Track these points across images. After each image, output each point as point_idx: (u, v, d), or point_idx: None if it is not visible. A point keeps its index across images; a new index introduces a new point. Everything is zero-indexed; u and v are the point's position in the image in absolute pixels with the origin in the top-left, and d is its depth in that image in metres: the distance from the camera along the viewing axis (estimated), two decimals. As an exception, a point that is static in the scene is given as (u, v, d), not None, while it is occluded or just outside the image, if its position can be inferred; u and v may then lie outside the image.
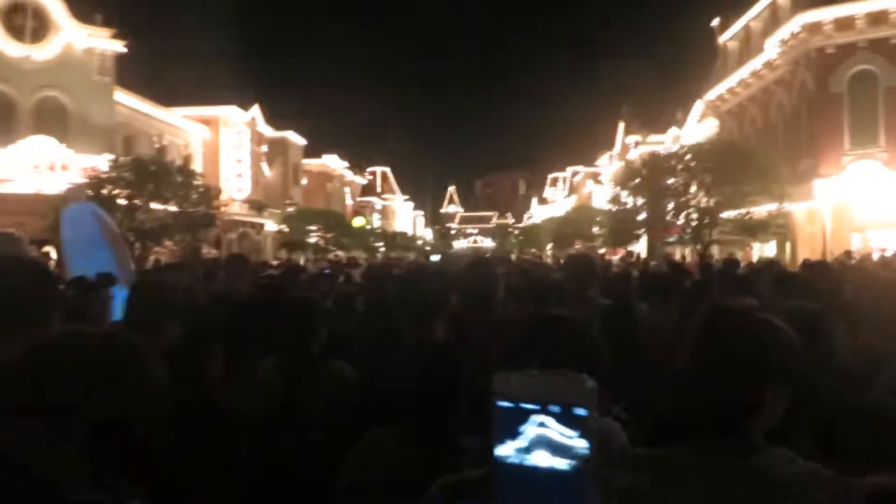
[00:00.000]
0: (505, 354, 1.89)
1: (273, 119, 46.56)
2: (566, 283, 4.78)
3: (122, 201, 19.88)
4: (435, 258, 17.19)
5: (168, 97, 34.54)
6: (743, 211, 20.32)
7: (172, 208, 20.70)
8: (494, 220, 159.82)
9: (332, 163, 63.43)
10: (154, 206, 20.30)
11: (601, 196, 48.59)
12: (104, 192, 19.63)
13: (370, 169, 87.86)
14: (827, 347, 2.35)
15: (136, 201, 20.20)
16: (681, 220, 21.33)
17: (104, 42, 26.98)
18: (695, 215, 20.20)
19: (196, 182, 21.72)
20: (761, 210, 20.79)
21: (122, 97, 29.46)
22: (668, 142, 38.63)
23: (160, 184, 20.03)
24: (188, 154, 36.37)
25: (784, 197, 19.51)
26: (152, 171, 20.40)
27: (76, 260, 4.38)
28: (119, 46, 27.36)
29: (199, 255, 20.19)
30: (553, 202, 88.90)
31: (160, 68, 41.58)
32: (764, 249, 25.65)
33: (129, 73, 29.77)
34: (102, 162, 21.23)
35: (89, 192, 19.28)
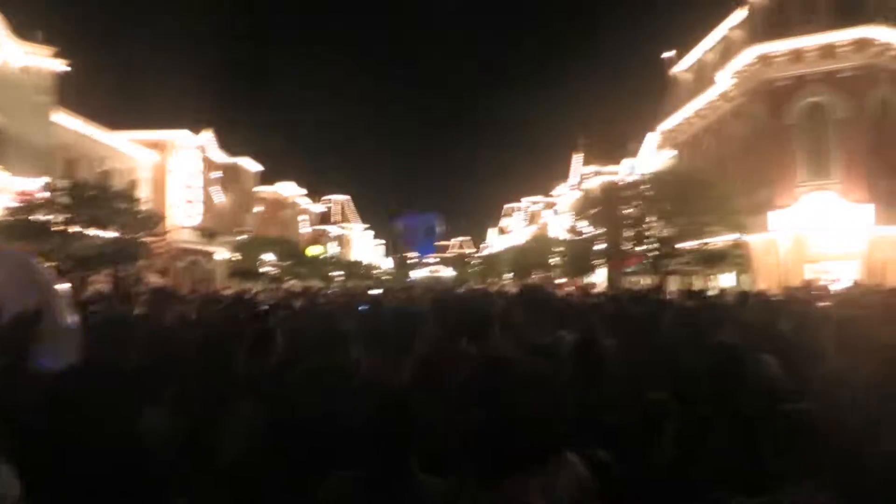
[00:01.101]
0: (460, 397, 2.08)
1: (228, 145, 45.57)
2: (525, 314, 4.73)
3: (57, 227, 18.72)
4: (375, 292, 16.27)
5: (117, 121, 33.36)
6: (701, 241, 20.21)
7: (112, 234, 19.56)
8: (455, 250, 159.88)
9: (288, 190, 62.41)
10: (92, 232, 19.14)
11: (557, 226, 48.67)
12: (38, 217, 18.47)
13: (328, 197, 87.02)
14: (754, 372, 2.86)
15: (73, 228, 19.04)
16: (640, 249, 21.12)
17: (43, 60, 25.81)
18: (653, 245, 19.97)
19: (137, 208, 20.60)
20: (719, 241, 20.70)
21: (64, 119, 28.21)
22: (622, 172, 38.84)
23: (98, 209, 18.90)
24: (133, 179, 35.05)
25: (741, 228, 19.42)
26: (89, 196, 19.27)
27: (8, 306, 4.05)
28: (60, 66, 26.22)
29: (124, 285, 19.07)
30: (510, 232, 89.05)
31: (109, 91, 40.43)
32: (719, 280, 25.61)
33: (75, 95, 28.62)
34: (35, 185, 20.02)
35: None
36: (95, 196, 19.43)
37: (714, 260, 19.73)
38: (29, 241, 18.15)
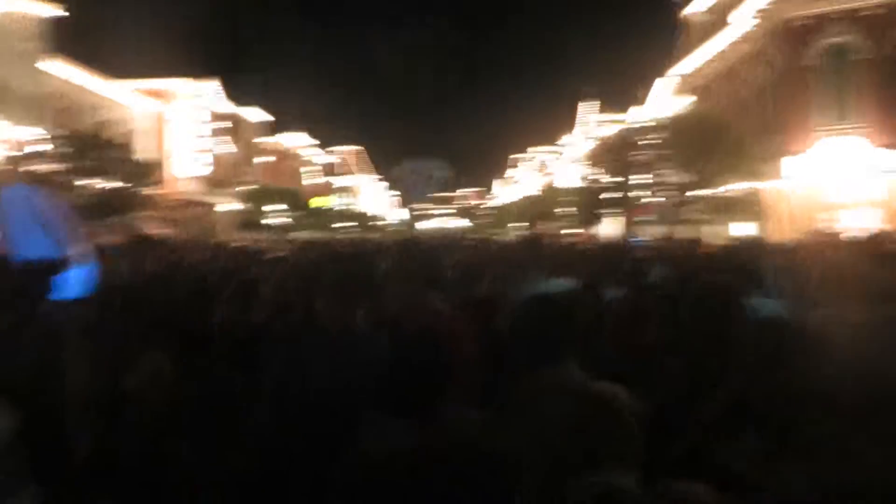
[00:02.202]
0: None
1: (235, 95, 44.67)
2: (524, 262, 5.02)
3: (55, 177, 18.20)
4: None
5: (118, 69, 32.54)
6: (715, 190, 19.52)
7: (106, 185, 19.08)
8: (465, 201, 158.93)
9: (296, 141, 61.54)
10: (84, 182, 18.66)
11: (564, 176, 47.78)
12: (34, 167, 17.92)
13: (338, 148, 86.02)
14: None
15: (70, 178, 18.55)
16: (654, 199, 20.48)
17: (29, 5, 24.91)
18: (669, 193, 19.31)
19: (134, 158, 20.03)
20: (732, 189, 19.99)
21: (56, 67, 27.45)
22: (629, 120, 37.76)
23: (95, 159, 18.37)
24: (130, 129, 34.37)
25: (755, 175, 18.71)
26: (87, 146, 18.71)
27: (20, 241, 4.41)
28: (49, 11, 25.32)
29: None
30: (516, 182, 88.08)
31: (110, 39, 39.34)
32: (729, 229, 24.95)
33: (73, 42, 27.81)
34: (27, 134, 19.46)
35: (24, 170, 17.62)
36: (93, 146, 18.86)
37: (727, 208, 19.06)
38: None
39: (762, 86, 23.45)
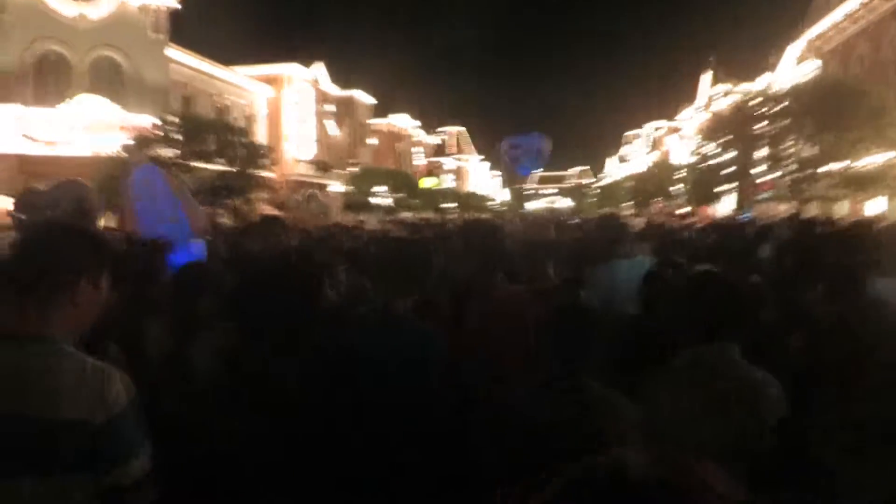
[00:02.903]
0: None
1: (339, 78, 45.52)
2: (600, 241, 5.00)
3: (170, 161, 19.09)
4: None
5: (229, 56, 33.87)
6: (850, 162, 17.70)
7: (220, 168, 19.79)
8: (573, 180, 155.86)
9: (402, 122, 62.08)
10: (198, 165, 19.42)
11: (682, 152, 45.44)
12: (151, 152, 18.88)
13: (442, 129, 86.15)
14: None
15: (185, 162, 19.40)
16: (776, 174, 18.90)
17: (158, -2, 26.23)
18: (793, 167, 17.72)
19: (246, 141, 20.66)
20: (872, 160, 18.07)
21: (180, 56, 28.80)
22: (755, 90, 35.21)
23: (207, 142, 19.07)
24: (251, 114, 35.70)
25: (900, 145, 16.82)
26: (199, 130, 19.47)
27: (147, 220, 4.65)
28: (173, 2, 26.55)
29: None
30: (629, 160, 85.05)
31: (220, 27, 40.99)
32: (865, 207, 22.74)
33: (187, 31, 29.13)
34: (148, 121, 20.50)
35: (149, 153, 18.65)
36: (210, 129, 19.59)
37: (863, 183, 17.26)
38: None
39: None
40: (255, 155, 21.73)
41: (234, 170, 19.68)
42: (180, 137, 19.07)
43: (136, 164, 6.58)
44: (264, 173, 27.08)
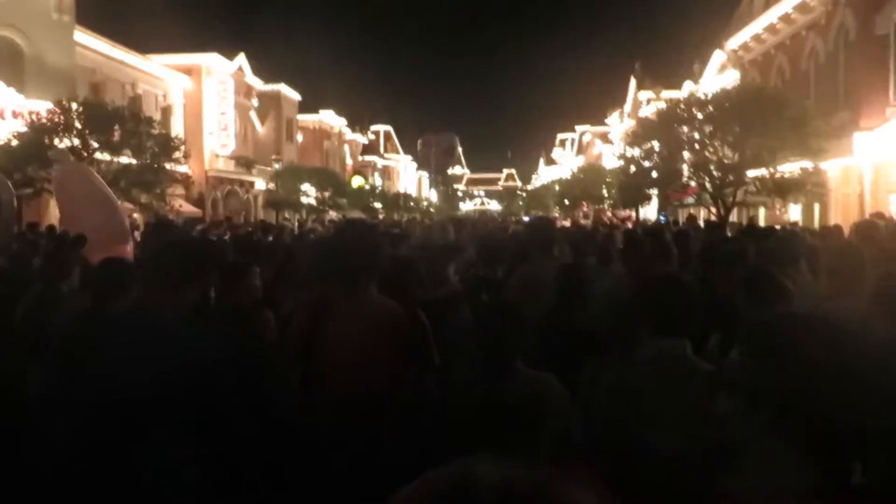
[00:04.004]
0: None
1: (265, 72, 43.99)
2: (530, 242, 5.26)
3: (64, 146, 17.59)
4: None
5: (144, 44, 32.04)
6: (771, 169, 17.92)
7: (126, 160, 18.39)
8: (504, 183, 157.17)
9: (330, 119, 60.72)
10: (103, 156, 18.00)
11: (611, 156, 46.04)
12: (49, 140, 17.38)
13: (373, 128, 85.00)
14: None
15: (86, 152, 17.93)
16: (700, 179, 19.00)
17: (62, -24, 24.40)
18: (717, 173, 17.80)
19: (153, 131, 19.30)
20: (792, 168, 18.37)
21: (89, 40, 26.99)
22: (681, 96, 35.90)
23: (110, 132, 17.68)
24: (167, 105, 33.92)
25: (820, 153, 17.08)
26: (102, 118, 18.03)
27: (71, 217, 4.70)
28: (81, -18, 24.80)
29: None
30: (560, 163, 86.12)
31: (135, 13, 38.90)
32: (788, 213, 23.30)
33: (99, 16, 27.32)
34: (43, 107, 18.87)
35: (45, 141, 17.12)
36: (110, 118, 18.17)
37: (786, 189, 17.49)
38: (39, 167, 17.14)
39: (828, 57, 21.62)
40: (168, 147, 20.35)
41: (143, 162, 18.29)
42: (80, 126, 17.60)
43: (60, 164, 6.51)
44: (179, 168, 25.61)
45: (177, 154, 20.20)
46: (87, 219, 4.51)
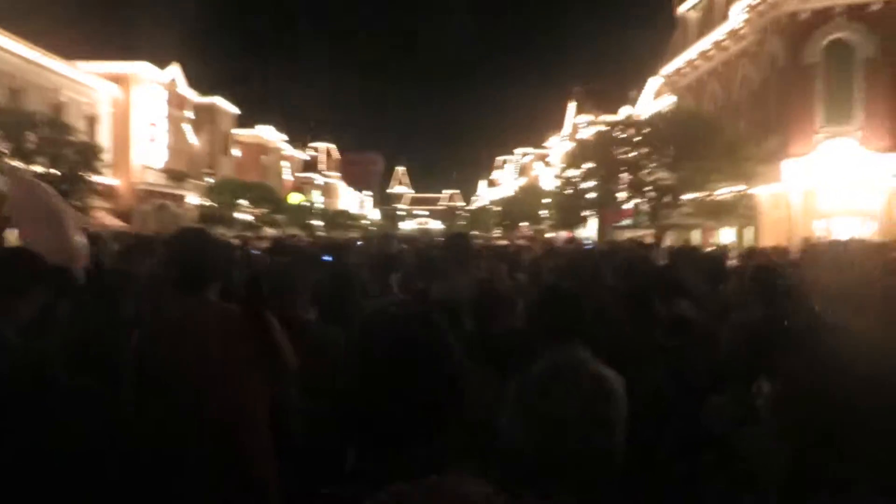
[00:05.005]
0: None
1: (200, 84, 42.75)
2: (448, 258, 5.41)
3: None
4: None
5: (70, 50, 30.56)
6: (705, 192, 18.15)
7: (42, 169, 17.25)
8: (445, 202, 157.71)
9: (269, 135, 59.54)
10: (15, 164, 16.82)
11: (550, 178, 46.46)
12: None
13: (312, 144, 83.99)
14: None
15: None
16: (636, 201, 19.10)
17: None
18: (653, 194, 17.91)
19: (69, 139, 18.23)
20: (724, 192, 18.65)
21: (8, 43, 25.53)
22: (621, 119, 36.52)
23: (21, 139, 16.58)
24: (93, 114, 32.42)
25: (751, 177, 17.38)
26: (17, 126, 16.91)
27: (27, 236, 4.58)
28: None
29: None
30: (500, 184, 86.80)
31: (62, 18, 37.28)
32: (719, 236, 23.71)
33: (22, 19, 25.94)
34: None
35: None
36: (21, 123, 17.05)
37: (719, 212, 17.70)
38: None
39: (759, 84, 22.19)
40: (89, 156, 19.25)
41: (59, 172, 17.18)
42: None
43: (16, 180, 6.12)
44: (103, 179, 24.39)
45: (98, 163, 19.09)
46: (38, 235, 4.44)
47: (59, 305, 3.39)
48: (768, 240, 19.35)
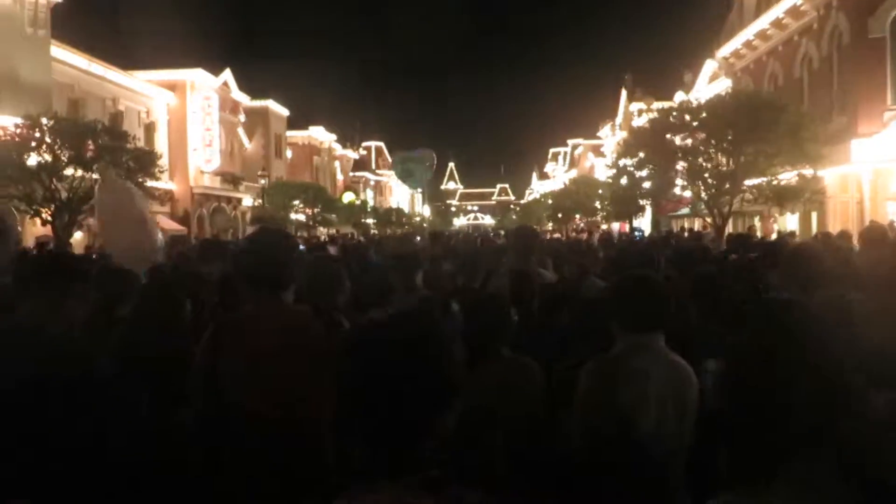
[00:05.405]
0: None
1: (253, 88, 43.48)
2: (511, 252, 5.65)
3: (38, 167, 16.94)
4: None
5: (125, 60, 31.45)
6: (768, 178, 17.34)
7: (97, 176, 17.69)
8: (497, 197, 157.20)
9: (320, 135, 60.19)
10: (74, 172, 17.32)
11: (603, 168, 45.62)
12: (15, 156, 16.71)
13: (364, 143, 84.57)
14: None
15: (59, 167, 17.28)
16: (695, 189, 18.43)
17: (38, -10, 23.80)
18: (712, 181, 17.22)
19: (127, 146, 18.65)
20: (788, 176, 17.81)
21: (66, 55, 26.38)
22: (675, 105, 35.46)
23: (81, 147, 17.02)
24: (151, 122, 33.30)
25: (818, 159, 16.53)
26: (73, 132, 17.38)
27: (110, 237, 4.93)
28: (59, -4, 24.21)
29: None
30: (553, 177, 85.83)
31: (119, 29, 38.40)
32: (783, 222, 22.74)
33: (80, 32, 26.78)
34: (9, 122, 18.20)
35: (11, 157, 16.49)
36: (81, 133, 17.50)
37: (783, 197, 16.90)
38: (10, 183, 16.47)
39: (822, 62, 21.17)
40: (146, 163, 19.68)
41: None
42: (49, 140, 16.94)
43: (108, 183, 6.63)
44: (160, 184, 24.94)
45: (155, 169, 19.52)
46: (125, 234, 4.66)
47: (119, 306, 3.49)
48: (835, 224, 18.42)
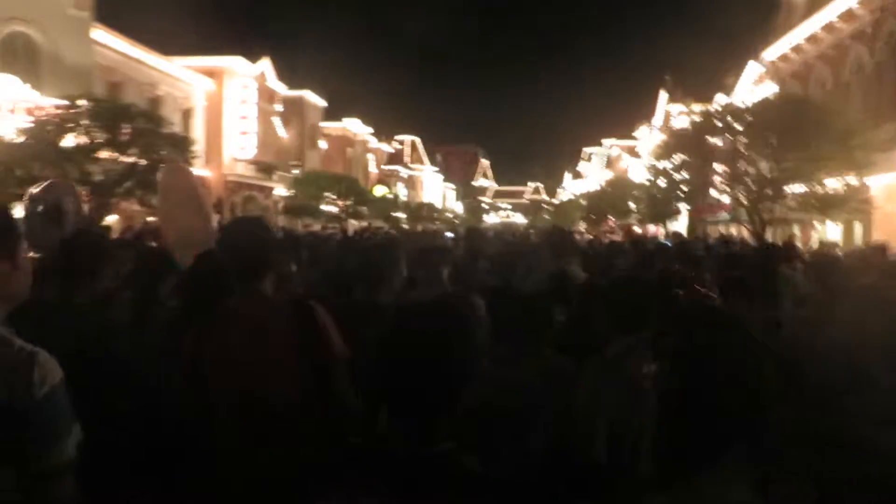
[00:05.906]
0: None
1: (289, 77, 43.59)
2: (543, 252, 5.80)
3: (75, 149, 17.04)
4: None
5: (166, 46, 31.70)
6: (814, 185, 16.73)
7: (133, 160, 17.76)
8: (529, 196, 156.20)
9: (355, 127, 60.24)
10: (108, 155, 17.40)
11: (638, 170, 44.89)
12: (53, 138, 16.83)
13: (398, 137, 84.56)
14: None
15: (95, 150, 17.36)
16: (735, 194, 17.89)
17: (80, -29, 24.06)
18: (754, 186, 16.68)
19: (161, 129, 18.69)
20: (833, 183, 17.19)
21: (108, 39, 26.64)
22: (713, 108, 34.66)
23: (115, 130, 17.08)
24: (188, 108, 33.55)
25: (867, 167, 15.90)
26: (109, 115, 17.45)
27: (169, 221, 4.90)
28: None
29: None
30: (587, 177, 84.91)
31: (157, 14, 38.72)
32: (824, 231, 22.01)
33: (120, 15, 27.04)
34: (48, 103, 18.38)
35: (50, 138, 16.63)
36: (119, 116, 17.56)
37: (828, 206, 16.30)
38: (44, 164, 16.58)
39: (874, 67, 20.43)
40: (181, 148, 19.72)
41: (145, 162, 17.59)
42: (87, 122, 17.02)
43: (169, 167, 6.71)
44: (195, 170, 25.03)
45: (189, 154, 19.56)
46: (184, 219, 4.71)
47: (161, 286, 3.57)
48: (881, 235, 17.74)
